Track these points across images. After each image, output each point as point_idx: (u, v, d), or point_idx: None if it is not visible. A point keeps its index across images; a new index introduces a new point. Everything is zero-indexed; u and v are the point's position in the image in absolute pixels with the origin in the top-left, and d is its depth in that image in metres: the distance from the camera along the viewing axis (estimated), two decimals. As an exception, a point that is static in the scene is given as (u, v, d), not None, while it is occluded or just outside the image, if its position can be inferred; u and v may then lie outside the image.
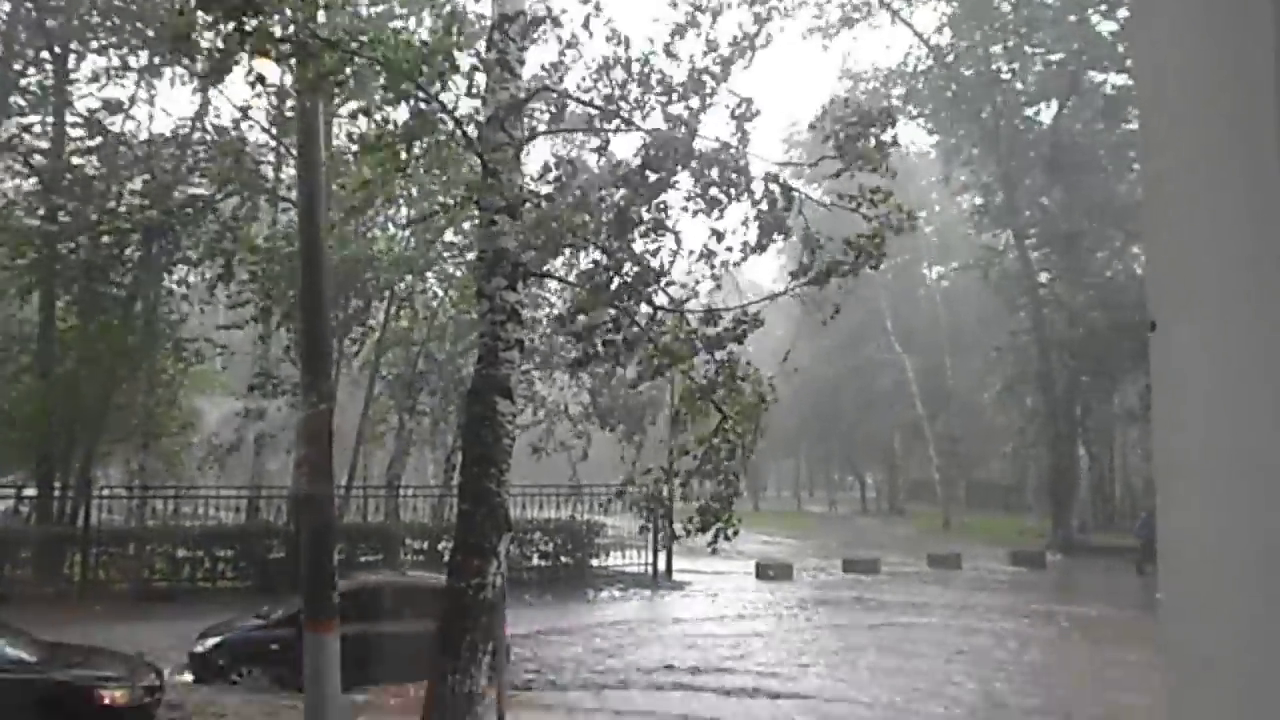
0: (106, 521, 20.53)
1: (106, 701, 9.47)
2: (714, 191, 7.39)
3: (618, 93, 7.47)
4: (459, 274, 21.39)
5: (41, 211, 20.34)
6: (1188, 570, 0.94)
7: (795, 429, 43.23)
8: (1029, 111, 32.63)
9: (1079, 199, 30.51)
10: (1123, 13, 29.17)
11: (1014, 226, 31.93)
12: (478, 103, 7.73)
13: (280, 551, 19.43)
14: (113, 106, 20.99)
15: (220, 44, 6.72)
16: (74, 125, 21.19)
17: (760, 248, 7.57)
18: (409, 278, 21.41)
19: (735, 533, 8.03)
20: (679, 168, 7.34)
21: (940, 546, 28.85)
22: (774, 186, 7.43)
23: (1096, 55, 29.64)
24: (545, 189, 7.77)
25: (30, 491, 22.24)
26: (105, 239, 19.89)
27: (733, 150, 7.35)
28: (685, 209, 7.59)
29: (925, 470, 48.17)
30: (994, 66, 31.26)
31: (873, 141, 7.44)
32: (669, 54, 7.47)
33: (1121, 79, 29.36)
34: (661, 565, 22.49)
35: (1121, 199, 30.50)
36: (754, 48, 7.53)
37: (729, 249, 7.75)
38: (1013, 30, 30.55)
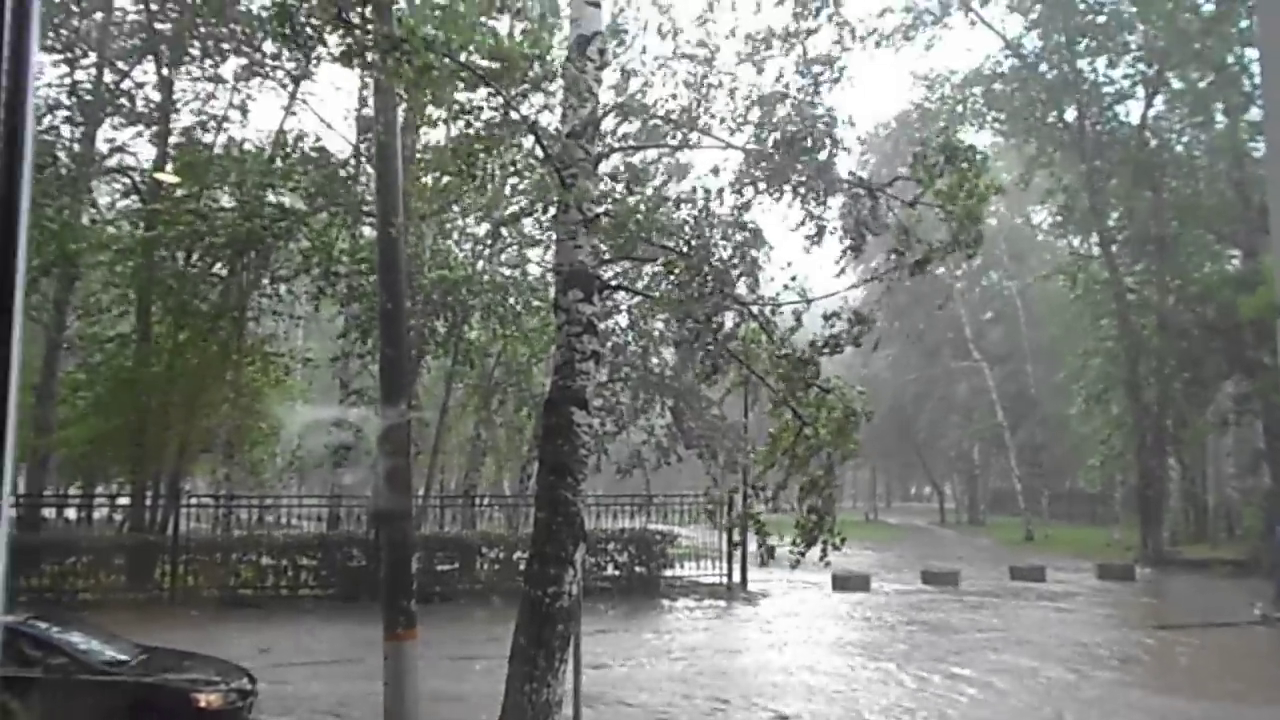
0: (194, 530, 21.16)
1: (201, 704, 9.71)
2: (808, 201, 7.36)
3: (700, 107, 7.49)
4: (538, 288, 21.51)
5: (141, 227, 21.15)
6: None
7: (871, 438, 42.47)
8: (1114, 111, 31.62)
9: (1167, 200, 29.53)
10: (1206, 6, 28.23)
11: (1099, 230, 31.01)
12: (555, 117, 7.83)
13: (360, 560, 19.78)
14: (205, 115, 21.80)
15: (325, 38, 6.79)
16: (173, 141, 22.08)
17: (855, 250, 7.51)
18: (490, 294, 21.58)
19: (843, 540, 7.88)
20: (774, 185, 7.32)
21: (1023, 559, 28.13)
22: (860, 190, 7.35)
23: (1181, 53, 28.66)
24: (631, 199, 7.82)
25: (123, 500, 23.09)
26: (196, 254, 20.51)
27: (820, 157, 7.29)
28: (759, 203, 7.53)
29: (1006, 480, 47.01)
30: (1077, 66, 30.43)
31: (953, 175, 7.31)
32: (756, 66, 7.48)
33: (1210, 77, 28.35)
34: (736, 576, 22.29)
35: (1212, 200, 29.45)
36: (839, 70, 7.48)
37: (811, 245, 7.64)
38: (1097, 28, 29.68)
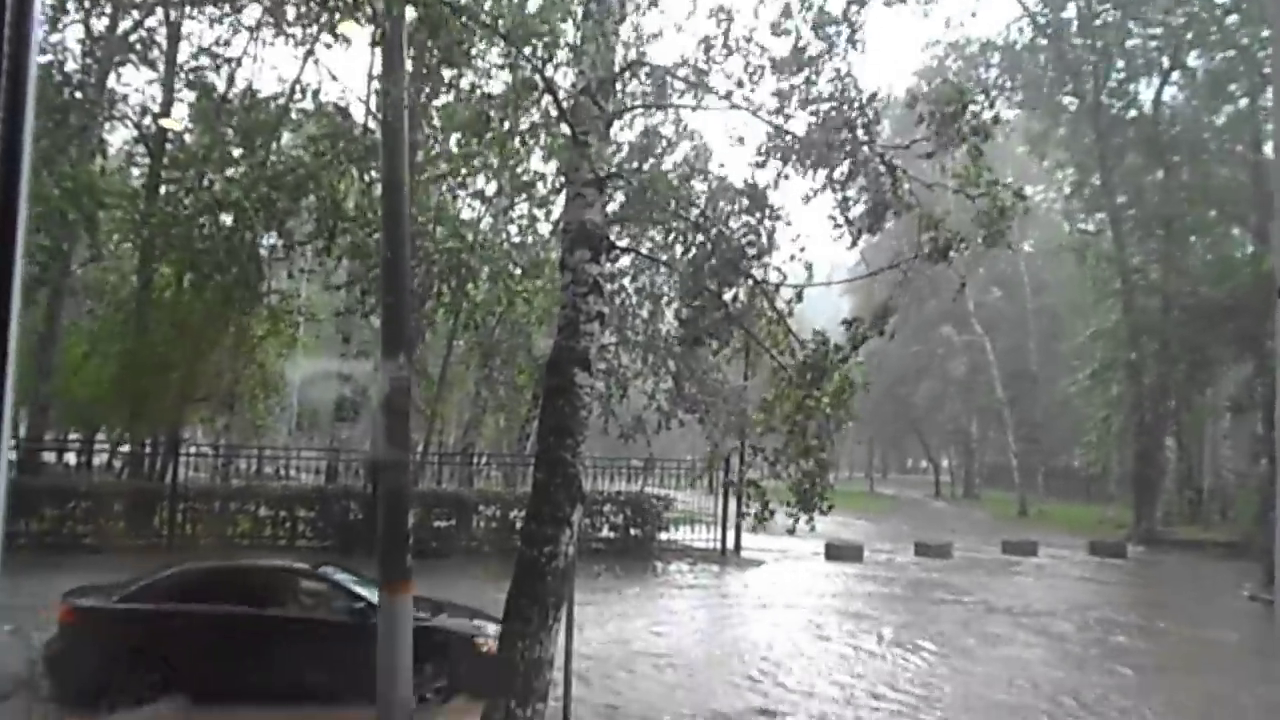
0: (193, 479, 21.25)
1: (483, 650, 10.00)
2: (829, 172, 7.30)
3: (716, 67, 7.42)
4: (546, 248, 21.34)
5: (142, 176, 21.00)
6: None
7: (868, 410, 42.52)
8: (1129, 89, 31.20)
9: (1178, 181, 29.33)
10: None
11: (1109, 209, 30.80)
12: (570, 75, 7.74)
13: (359, 514, 19.87)
14: (218, 59, 21.35)
15: None
16: (182, 88, 21.79)
17: (872, 229, 7.48)
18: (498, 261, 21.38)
19: (831, 507, 8.02)
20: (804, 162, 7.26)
21: (1015, 533, 28.30)
22: (881, 166, 7.28)
23: (1201, 31, 28.27)
24: (642, 164, 7.75)
25: (123, 447, 23.16)
26: (203, 205, 20.30)
27: (844, 135, 7.22)
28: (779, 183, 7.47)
29: (1003, 455, 47.14)
30: (1096, 42, 30.01)
31: (970, 122, 7.22)
32: (774, 31, 7.39)
33: (1228, 54, 28.02)
34: (730, 542, 22.41)
35: (1223, 182, 29.24)
36: (856, 27, 7.39)
37: (841, 226, 7.61)
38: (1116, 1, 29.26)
